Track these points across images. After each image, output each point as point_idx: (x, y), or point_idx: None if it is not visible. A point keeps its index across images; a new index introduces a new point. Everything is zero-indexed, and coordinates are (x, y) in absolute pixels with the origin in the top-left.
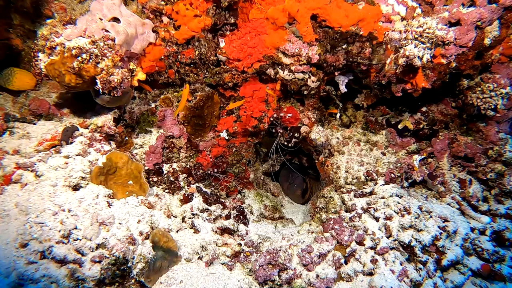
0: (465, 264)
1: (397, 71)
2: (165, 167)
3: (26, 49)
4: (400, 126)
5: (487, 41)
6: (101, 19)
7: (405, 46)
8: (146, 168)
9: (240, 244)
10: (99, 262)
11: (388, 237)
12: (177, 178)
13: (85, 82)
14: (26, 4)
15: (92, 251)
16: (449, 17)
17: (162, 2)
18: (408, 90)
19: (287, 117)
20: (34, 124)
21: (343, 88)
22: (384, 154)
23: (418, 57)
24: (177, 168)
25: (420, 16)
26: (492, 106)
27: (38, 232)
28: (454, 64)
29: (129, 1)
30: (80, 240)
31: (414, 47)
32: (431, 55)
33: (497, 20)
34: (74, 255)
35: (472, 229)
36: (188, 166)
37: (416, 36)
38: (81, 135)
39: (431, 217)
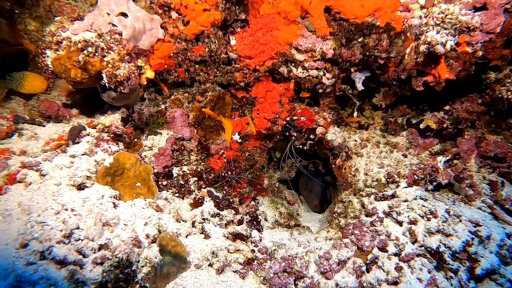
0: (503, 274)
1: (418, 60)
2: (175, 170)
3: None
4: (422, 126)
5: None
6: (108, 14)
7: (426, 32)
8: (155, 171)
9: (253, 251)
10: (101, 264)
11: (413, 243)
12: (187, 182)
13: (91, 77)
14: (40, 10)
15: (94, 252)
16: (474, 2)
17: None
18: (430, 83)
19: (301, 119)
20: (43, 126)
21: (359, 86)
22: (405, 156)
23: (441, 43)
24: (188, 171)
25: (441, 3)
26: None
27: (39, 232)
28: (480, 53)
29: None
30: (82, 240)
31: (436, 33)
32: (455, 42)
33: None
34: (75, 256)
35: (508, 235)
36: (199, 170)
37: (438, 22)
38: (88, 134)
39: (460, 221)
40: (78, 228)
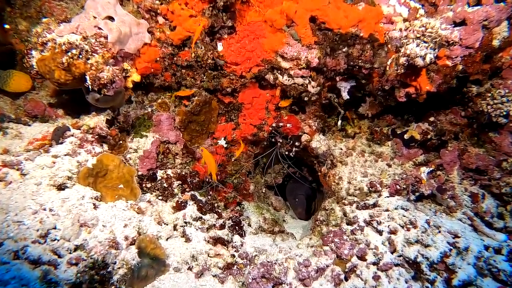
0: (479, 285)
1: (398, 72)
2: (159, 173)
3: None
4: (406, 137)
5: (495, 43)
6: (95, 17)
7: (406, 45)
8: (140, 173)
9: (233, 256)
10: (76, 264)
11: (392, 252)
12: (170, 185)
13: (75, 79)
14: (31, 10)
15: (70, 253)
16: (454, 17)
17: (157, 2)
18: (412, 94)
19: (287, 126)
20: (29, 125)
21: (345, 95)
22: (389, 165)
23: (421, 56)
24: (172, 175)
25: (422, 17)
26: (504, 113)
27: (15, 231)
28: (460, 67)
29: (126, 1)
30: (58, 240)
31: (416, 46)
32: (435, 55)
33: (506, 20)
34: (50, 256)
35: (486, 247)
36: (184, 173)
37: (418, 35)
38: (72, 135)
39: (439, 232)
40: (55, 228)
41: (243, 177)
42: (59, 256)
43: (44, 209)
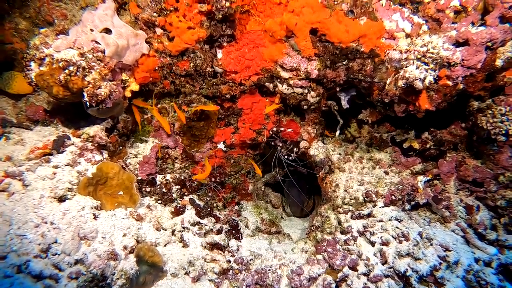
0: None
1: (396, 92)
2: (159, 178)
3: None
4: (405, 146)
5: (498, 63)
6: (92, 30)
7: (406, 67)
8: (139, 178)
9: (229, 261)
10: (76, 278)
11: (383, 264)
12: (169, 190)
13: (73, 94)
14: (30, 11)
15: (70, 267)
16: (457, 37)
17: (155, 14)
18: (411, 111)
19: (287, 131)
20: (31, 129)
21: (345, 104)
22: (387, 173)
23: (420, 79)
24: (170, 180)
25: (426, 34)
26: (503, 131)
27: (18, 245)
28: (461, 86)
29: (123, 11)
30: (59, 255)
31: (416, 69)
32: (435, 76)
33: (511, 40)
34: (51, 270)
35: (476, 260)
36: (183, 177)
37: (419, 56)
38: (73, 144)
39: (431, 245)
40: (56, 242)
41: (242, 178)
42: (60, 270)
43: (46, 223)
